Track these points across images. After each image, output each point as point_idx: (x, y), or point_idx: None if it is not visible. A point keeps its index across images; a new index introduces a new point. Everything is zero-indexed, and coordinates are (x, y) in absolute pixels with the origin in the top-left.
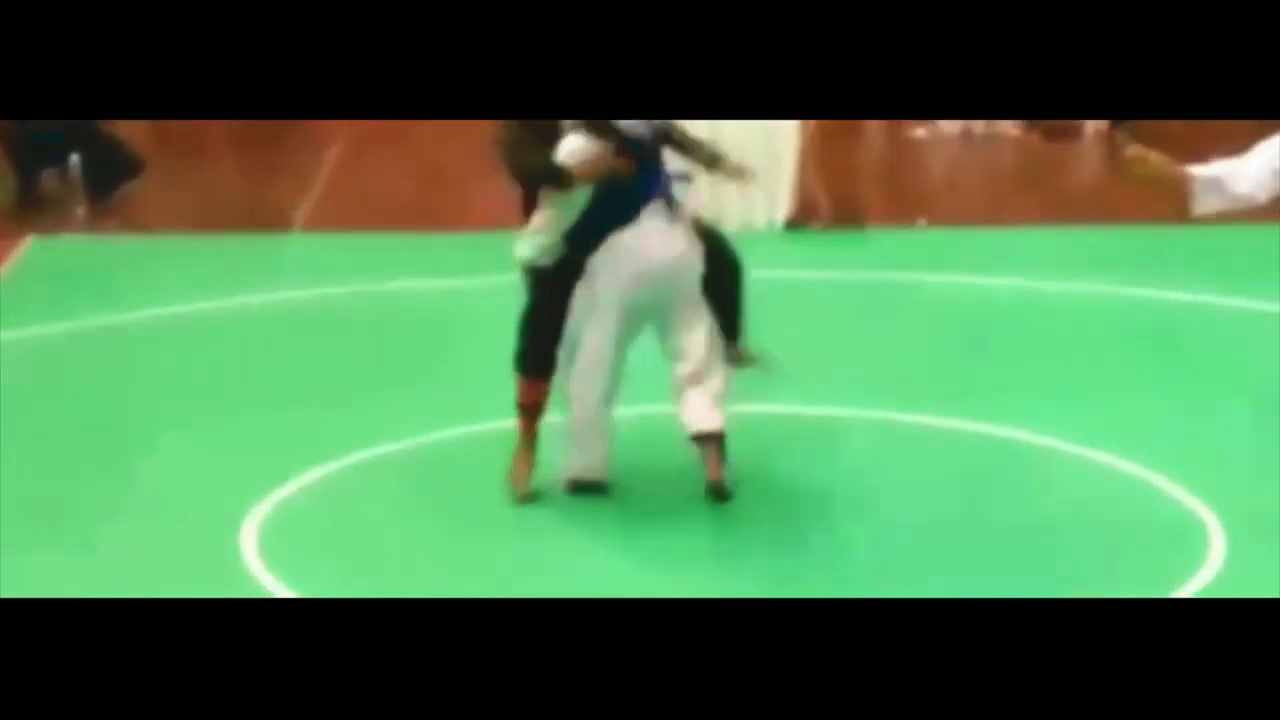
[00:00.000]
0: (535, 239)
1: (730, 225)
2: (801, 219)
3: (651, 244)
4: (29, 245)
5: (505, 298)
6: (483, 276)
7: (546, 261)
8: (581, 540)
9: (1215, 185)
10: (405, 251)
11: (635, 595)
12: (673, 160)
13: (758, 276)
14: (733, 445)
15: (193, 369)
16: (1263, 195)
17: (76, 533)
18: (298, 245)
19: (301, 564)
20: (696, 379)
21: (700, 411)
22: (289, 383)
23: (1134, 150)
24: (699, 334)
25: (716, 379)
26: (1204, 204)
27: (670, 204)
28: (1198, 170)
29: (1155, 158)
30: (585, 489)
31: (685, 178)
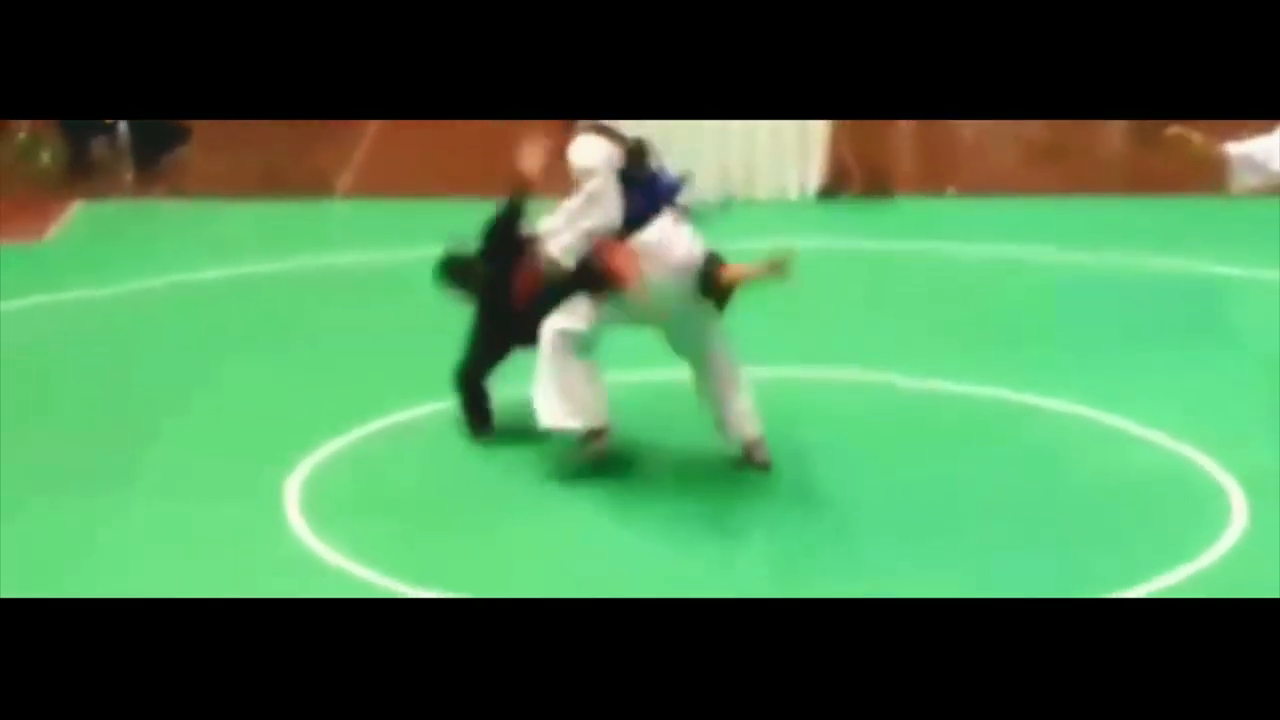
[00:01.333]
0: (558, 238)
1: (763, 194)
2: (833, 187)
3: (674, 246)
4: (77, 210)
5: None
6: None
7: (570, 261)
8: (613, 509)
9: (1252, 163)
10: (445, 216)
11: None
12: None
13: (791, 245)
14: (772, 409)
15: (237, 331)
16: None
17: (121, 490)
18: (340, 210)
19: (343, 521)
20: (733, 385)
21: (746, 421)
22: (331, 345)
23: (1175, 130)
24: (719, 337)
25: (744, 380)
26: (1242, 182)
27: (679, 208)
28: (1235, 148)
29: (1196, 136)
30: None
31: (687, 180)
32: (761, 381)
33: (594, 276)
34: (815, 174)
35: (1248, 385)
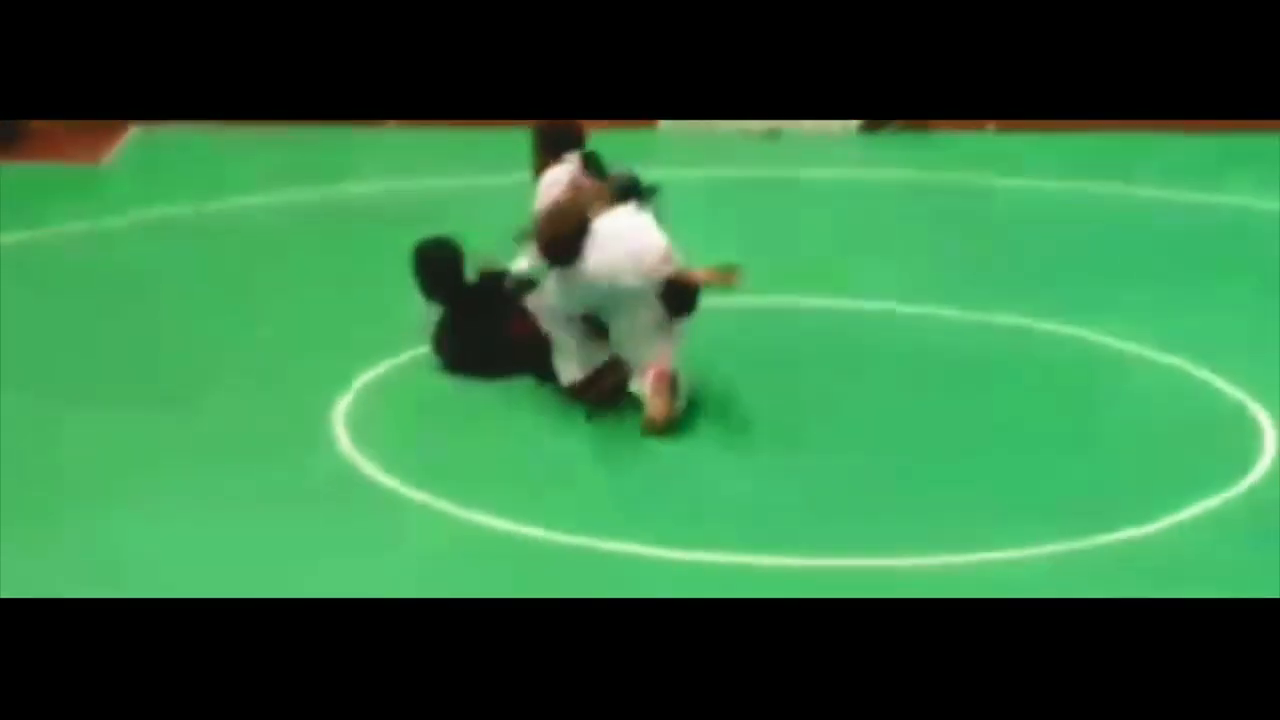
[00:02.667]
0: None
1: (808, 128)
2: (875, 123)
3: (632, 234)
4: (131, 136)
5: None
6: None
7: (539, 276)
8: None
9: None
10: (491, 146)
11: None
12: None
13: (833, 176)
14: (803, 337)
15: (289, 254)
16: None
17: (179, 403)
18: (391, 138)
19: (388, 441)
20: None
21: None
22: (381, 268)
23: None
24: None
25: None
26: None
27: (640, 201)
28: None
29: None
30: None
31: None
32: (799, 311)
33: (682, 295)
34: None
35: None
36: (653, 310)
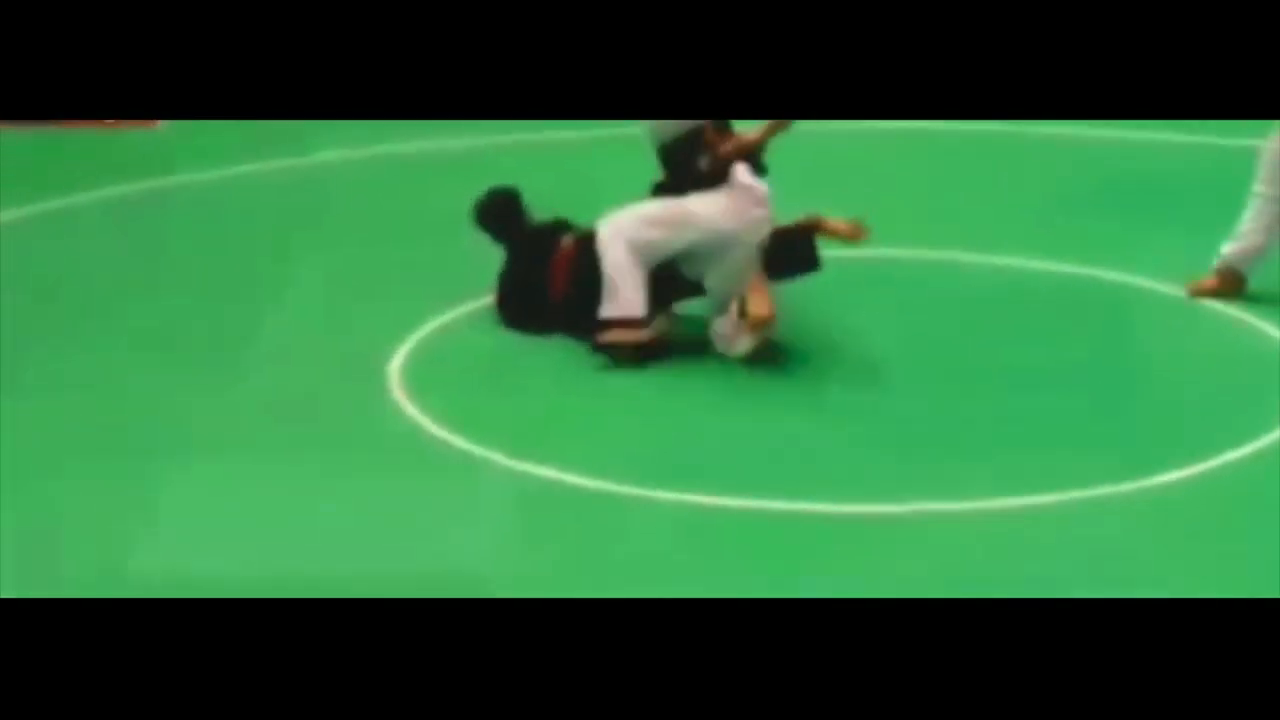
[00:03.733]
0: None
1: None
2: None
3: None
4: None
5: (634, 148)
6: (621, 126)
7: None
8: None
9: None
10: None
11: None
12: None
13: (871, 126)
14: (851, 289)
15: (337, 215)
16: None
17: (232, 364)
18: None
19: (444, 395)
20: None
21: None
22: (439, 225)
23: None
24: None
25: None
26: None
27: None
28: None
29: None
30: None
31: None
32: (840, 261)
33: (798, 248)
34: None
35: None
36: (749, 261)
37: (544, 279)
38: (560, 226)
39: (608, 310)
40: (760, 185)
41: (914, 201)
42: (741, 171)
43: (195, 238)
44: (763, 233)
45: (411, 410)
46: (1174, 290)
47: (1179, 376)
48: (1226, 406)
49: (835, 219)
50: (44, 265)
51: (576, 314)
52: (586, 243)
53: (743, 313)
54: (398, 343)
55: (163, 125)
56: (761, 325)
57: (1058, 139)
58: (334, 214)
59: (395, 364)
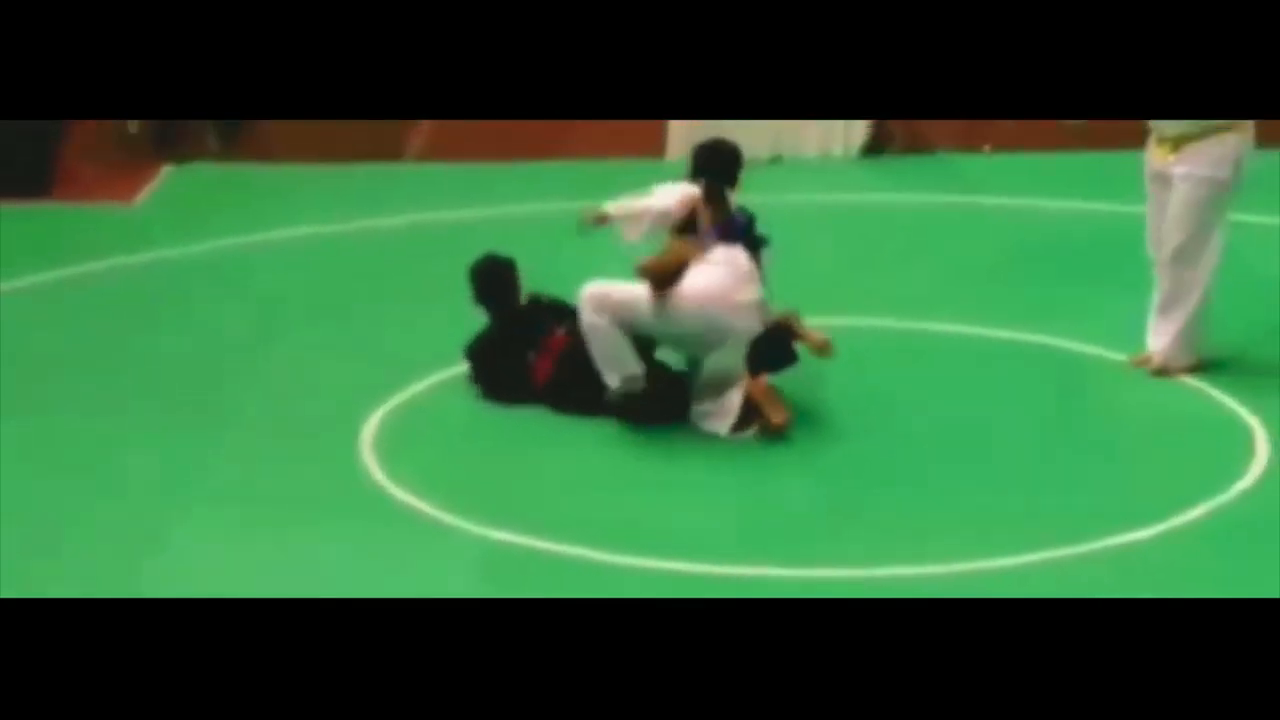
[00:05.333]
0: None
1: (811, 152)
2: (876, 145)
3: (741, 284)
4: (166, 174)
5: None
6: (583, 200)
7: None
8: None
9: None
10: (510, 179)
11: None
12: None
13: (837, 199)
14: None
15: (318, 286)
16: None
17: (213, 426)
18: (412, 174)
19: (413, 463)
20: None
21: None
22: (407, 298)
23: None
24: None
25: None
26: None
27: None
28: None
29: None
30: (630, 403)
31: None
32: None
33: (780, 345)
34: (859, 133)
35: (1274, 329)
36: (737, 351)
37: (529, 361)
38: (558, 310)
39: (613, 380)
40: (744, 264)
41: (857, 270)
42: (720, 252)
43: (174, 309)
44: (753, 322)
45: (378, 474)
46: (1120, 355)
47: (1129, 440)
48: (1179, 470)
49: (810, 329)
50: (16, 340)
51: (557, 397)
52: (579, 340)
53: (759, 423)
54: (371, 409)
55: (139, 202)
56: (781, 431)
57: (1028, 212)
58: (312, 286)
59: (368, 430)
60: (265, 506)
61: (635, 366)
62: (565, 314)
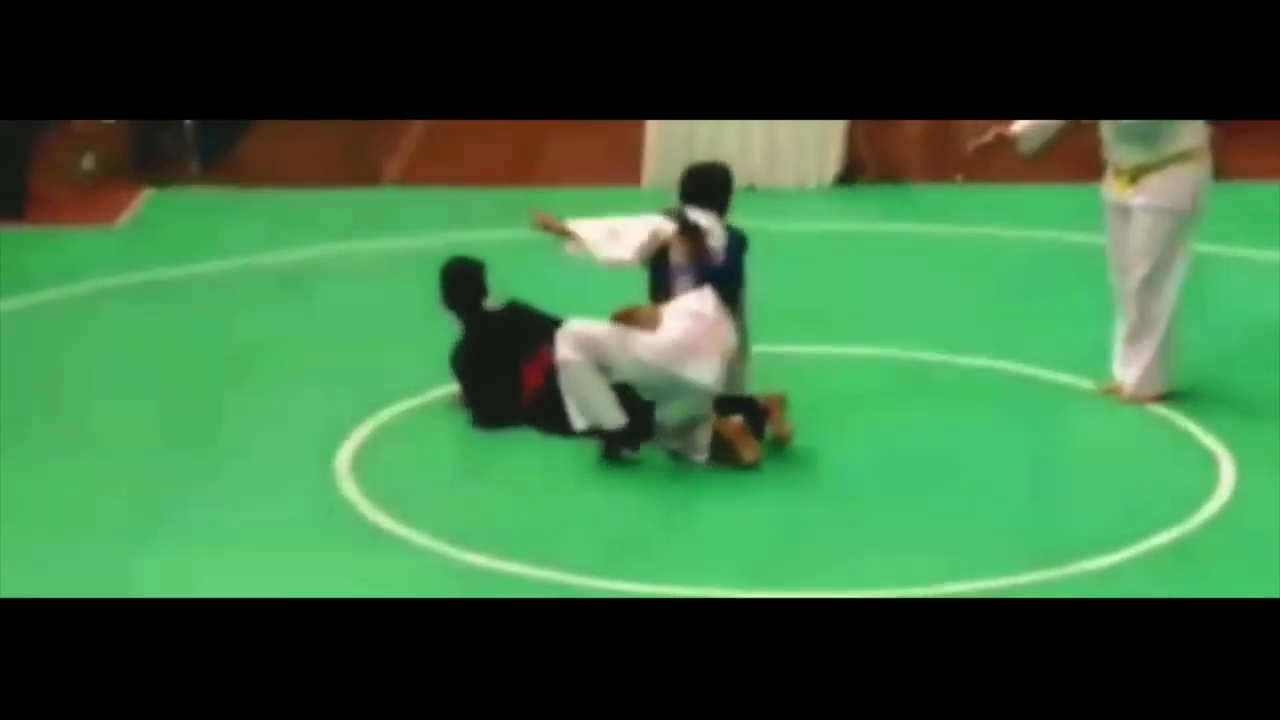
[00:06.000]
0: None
1: (785, 182)
2: (850, 175)
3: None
4: (146, 198)
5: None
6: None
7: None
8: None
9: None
10: (487, 205)
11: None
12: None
13: (811, 228)
14: (791, 384)
15: (295, 311)
16: None
17: (196, 453)
18: (390, 199)
19: (391, 487)
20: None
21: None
22: (382, 324)
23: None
24: None
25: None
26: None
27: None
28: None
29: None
30: (610, 443)
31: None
32: (781, 357)
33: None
34: (833, 163)
35: (1237, 357)
36: (700, 401)
37: (515, 376)
38: (543, 324)
39: (580, 424)
40: (711, 313)
41: (829, 299)
42: (691, 300)
43: (159, 332)
44: (715, 373)
45: (353, 495)
46: (1089, 383)
47: (1097, 467)
48: (1146, 497)
49: (784, 419)
50: None
51: (542, 415)
52: None
53: (731, 459)
54: (347, 435)
55: (121, 225)
56: (753, 467)
57: (999, 242)
58: (292, 311)
59: (344, 454)
60: (240, 534)
61: (609, 418)
62: (551, 327)
